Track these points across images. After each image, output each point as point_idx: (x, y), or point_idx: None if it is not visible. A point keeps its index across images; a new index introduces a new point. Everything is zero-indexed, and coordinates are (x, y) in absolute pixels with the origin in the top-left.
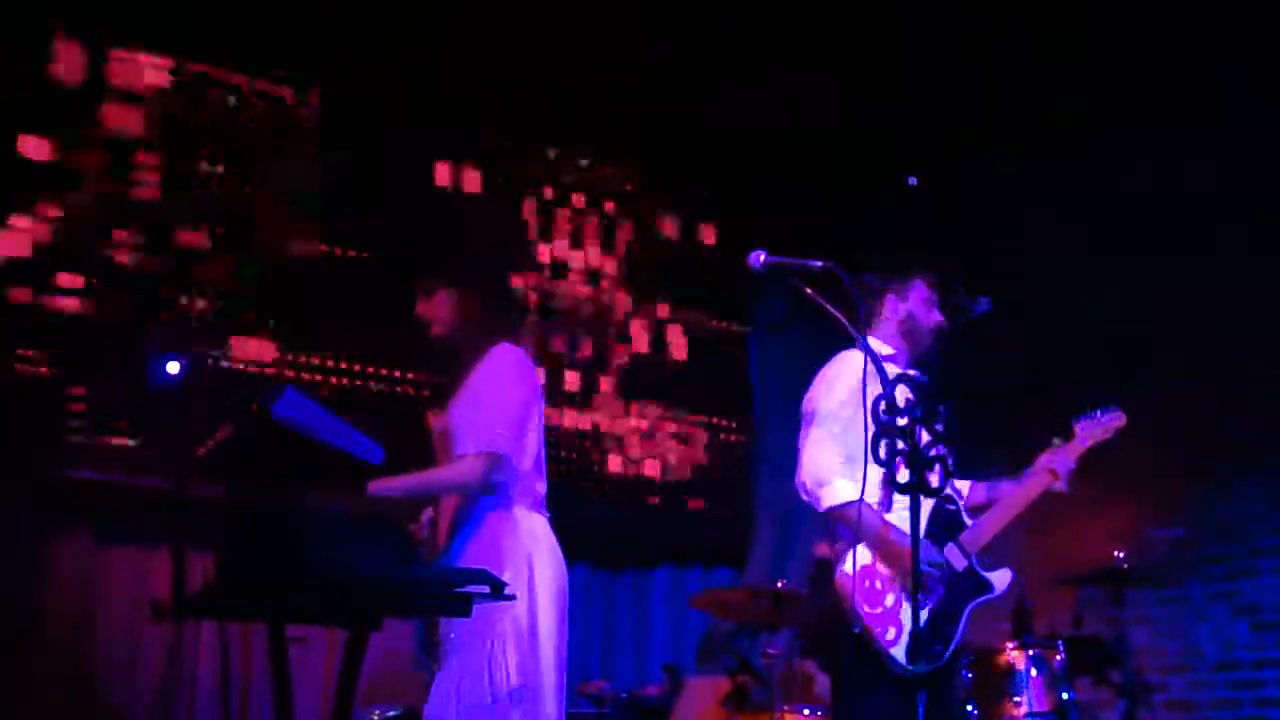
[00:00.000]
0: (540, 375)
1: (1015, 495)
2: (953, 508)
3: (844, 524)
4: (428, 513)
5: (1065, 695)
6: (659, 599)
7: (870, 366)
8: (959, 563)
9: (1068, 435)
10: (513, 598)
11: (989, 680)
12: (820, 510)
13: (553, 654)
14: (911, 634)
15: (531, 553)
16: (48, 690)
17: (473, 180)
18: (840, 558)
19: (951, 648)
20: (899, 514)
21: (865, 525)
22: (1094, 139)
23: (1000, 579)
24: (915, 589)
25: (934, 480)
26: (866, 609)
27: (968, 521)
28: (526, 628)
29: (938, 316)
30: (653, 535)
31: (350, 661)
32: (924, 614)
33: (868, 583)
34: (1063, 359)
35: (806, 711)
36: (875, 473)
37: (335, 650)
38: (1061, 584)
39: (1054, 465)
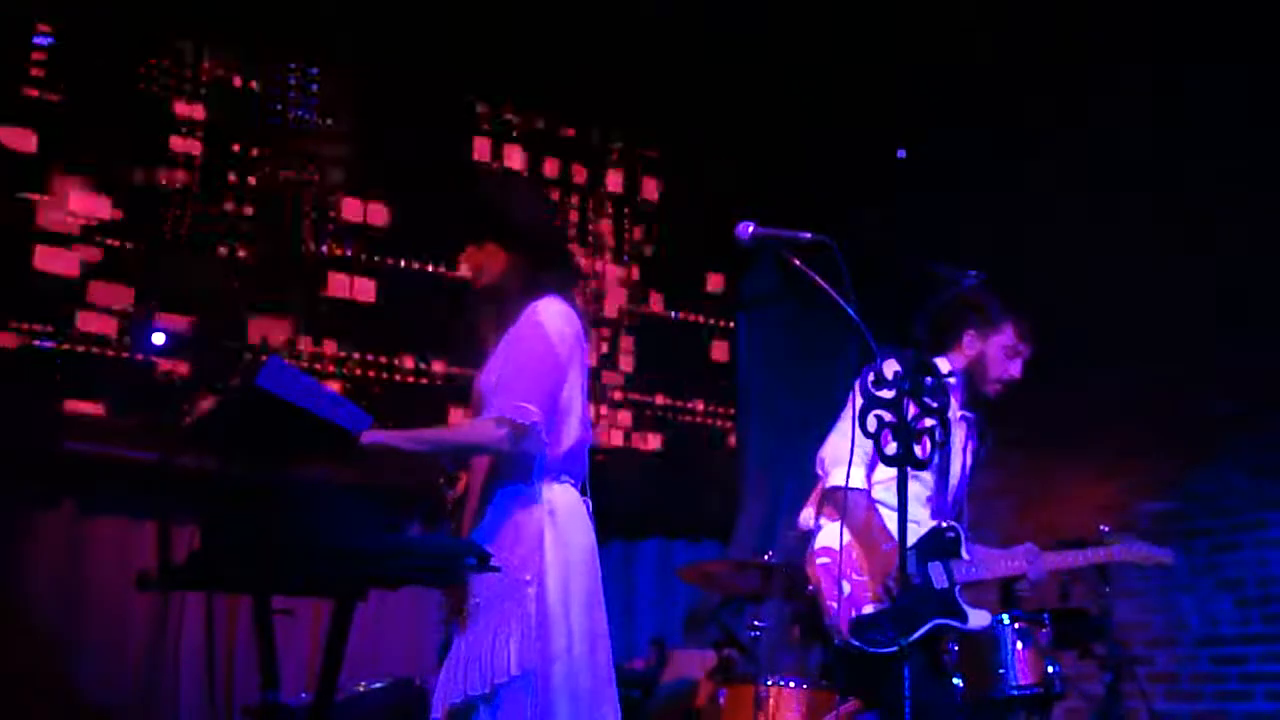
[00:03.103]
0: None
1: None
2: (953, 535)
3: (839, 504)
4: (463, 481)
5: (1050, 668)
6: (646, 572)
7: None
8: (939, 581)
9: (1098, 542)
10: (497, 569)
11: (975, 653)
12: (824, 487)
13: (565, 641)
14: (860, 615)
15: (545, 532)
16: (34, 660)
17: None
18: (816, 532)
19: (895, 647)
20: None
21: (859, 508)
22: (1091, 116)
23: (977, 618)
24: (903, 560)
25: (921, 452)
26: (837, 589)
27: (965, 554)
28: (535, 614)
29: (1014, 371)
30: (640, 507)
31: (336, 633)
32: (878, 607)
33: (841, 567)
34: (1052, 337)
35: (793, 684)
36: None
37: (321, 621)
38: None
39: (1032, 561)
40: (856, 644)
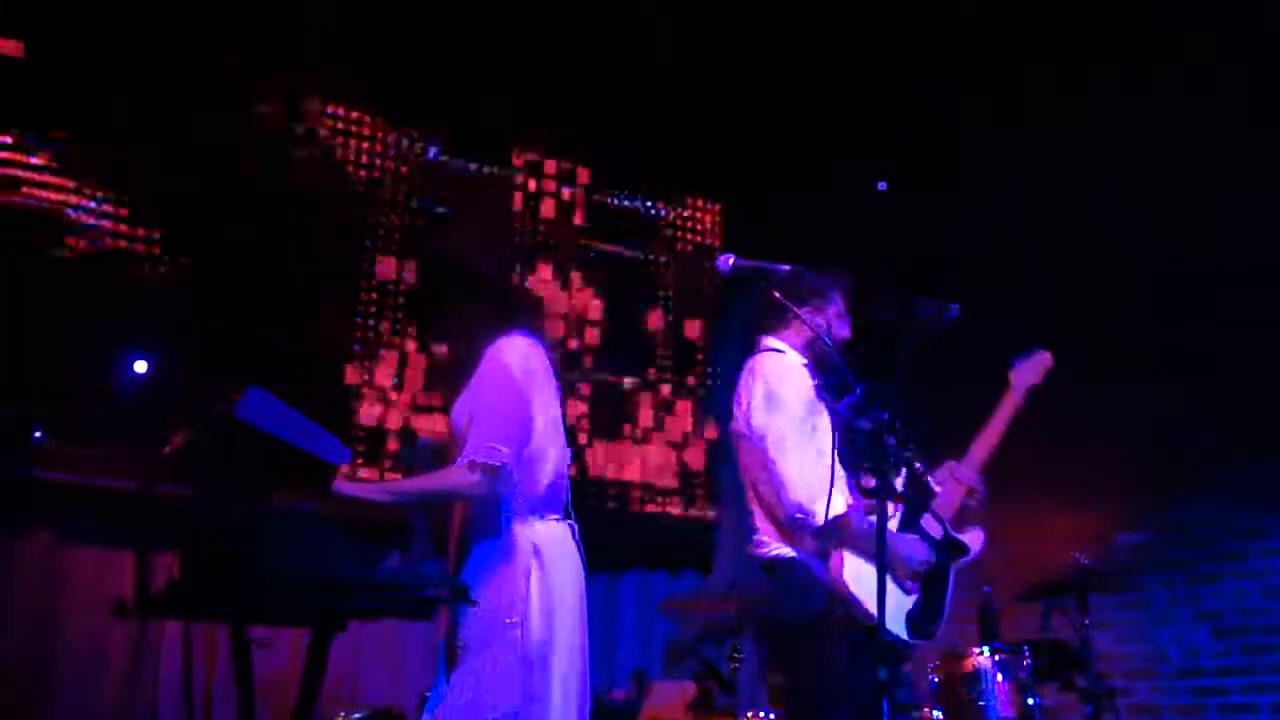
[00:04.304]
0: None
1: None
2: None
3: (838, 536)
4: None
5: (1031, 700)
6: (626, 603)
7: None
8: (936, 531)
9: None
10: (474, 603)
11: (955, 685)
12: (815, 527)
13: (545, 678)
14: (908, 614)
15: (534, 570)
16: (10, 690)
17: None
18: (833, 559)
19: (944, 616)
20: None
21: (864, 533)
22: (1064, 136)
23: (973, 539)
24: (881, 581)
25: (900, 484)
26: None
27: (936, 489)
28: (520, 655)
29: (846, 332)
30: (620, 539)
31: (313, 663)
32: (915, 597)
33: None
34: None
35: (771, 715)
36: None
37: (301, 650)
38: (1027, 590)
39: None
40: (916, 641)
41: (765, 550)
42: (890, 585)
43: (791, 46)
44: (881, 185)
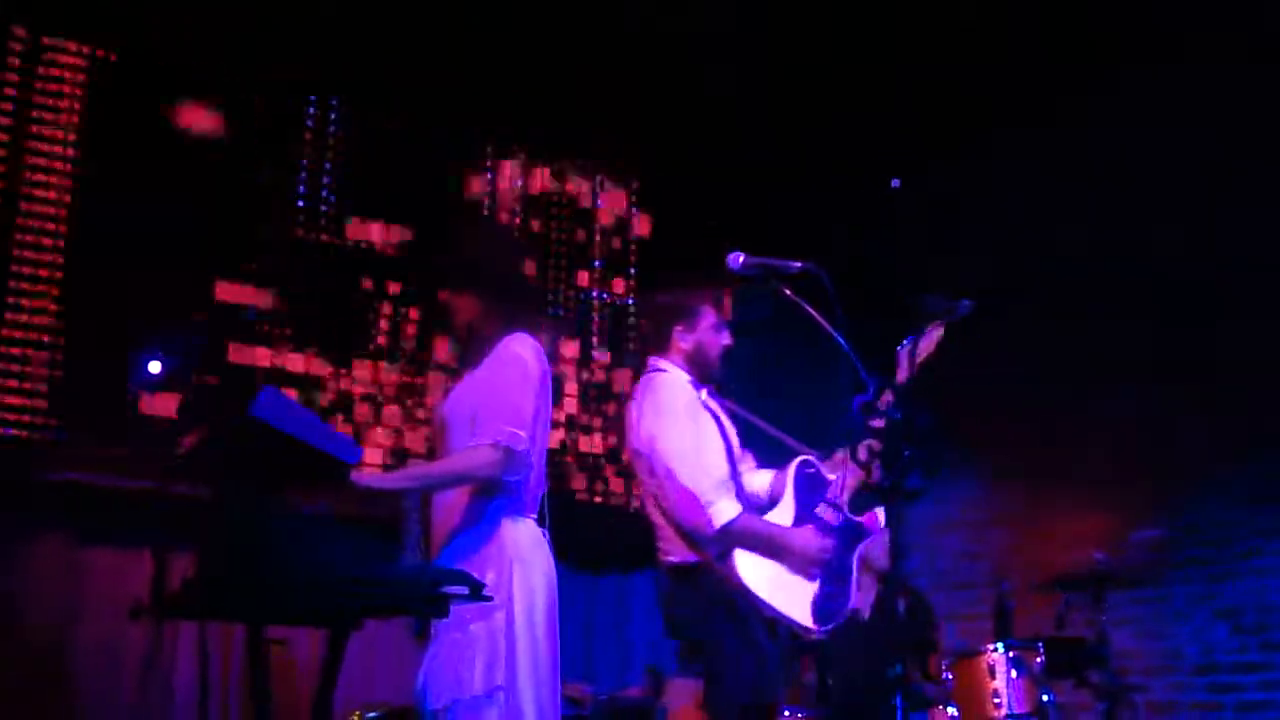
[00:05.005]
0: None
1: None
2: (812, 470)
3: (735, 541)
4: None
5: (1045, 696)
6: (640, 601)
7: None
8: (835, 519)
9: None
10: (490, 599)
11: (969, 681)
12: (711, 534)
13: (530, 663)
14: (813, 602)
15: (515, 560)
16: (27, 691)
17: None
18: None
19: (849, 602)
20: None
21: (759, 534)
22: (1064, 136)
23: (870, 520)
24: (889, 588)
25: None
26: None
27: (830, 477)
28: (503, 637)
29: (726, 339)
30: (633, 537)
31: (330, 662)
32: (817, 585)
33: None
34: (1048, 366)
35: (788, 712)
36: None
37: (316, 649)
38: (1042, 586)
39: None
40: (827, 627)
41: (671, 557)
42: (793, 576)
43: (791, 46)
44: (895, 182)
